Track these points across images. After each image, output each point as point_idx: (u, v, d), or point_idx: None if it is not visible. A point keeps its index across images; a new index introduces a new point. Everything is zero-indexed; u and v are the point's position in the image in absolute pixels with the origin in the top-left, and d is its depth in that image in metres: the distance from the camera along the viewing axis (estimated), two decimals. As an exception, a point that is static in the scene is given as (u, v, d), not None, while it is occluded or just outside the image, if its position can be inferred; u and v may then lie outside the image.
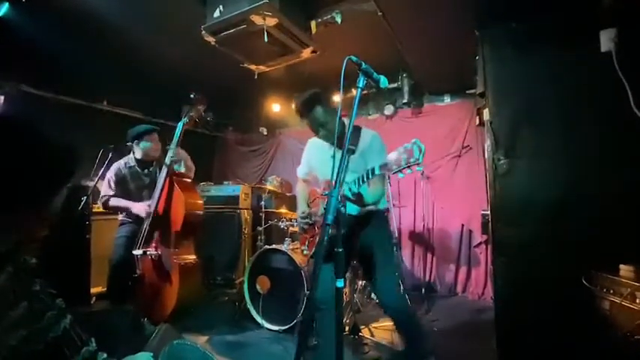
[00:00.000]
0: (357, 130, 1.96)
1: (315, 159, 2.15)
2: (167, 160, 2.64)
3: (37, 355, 0.77)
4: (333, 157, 1.47)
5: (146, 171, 2.82)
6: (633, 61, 1.74)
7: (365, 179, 1.53)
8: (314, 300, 1.94)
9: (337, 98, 4.39)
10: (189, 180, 2.85)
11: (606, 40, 1.83)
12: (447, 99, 4.30)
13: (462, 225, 4.04)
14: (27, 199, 0.77)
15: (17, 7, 2.64)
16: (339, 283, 0.99)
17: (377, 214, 2.02)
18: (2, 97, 3.36)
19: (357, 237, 1.89)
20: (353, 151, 1.83)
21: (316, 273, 1.06)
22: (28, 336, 0.75)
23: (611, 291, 1.55)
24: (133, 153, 2.81)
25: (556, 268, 1.90)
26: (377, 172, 1.47)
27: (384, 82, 1.21)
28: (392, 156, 1.39)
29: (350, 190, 1.56)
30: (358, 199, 1.65)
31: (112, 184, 2.72)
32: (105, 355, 0.92)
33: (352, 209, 1.89)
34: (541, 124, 2.04)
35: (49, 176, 0.80)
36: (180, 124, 2.74)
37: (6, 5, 2.61)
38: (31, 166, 0.76)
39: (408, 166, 1.33)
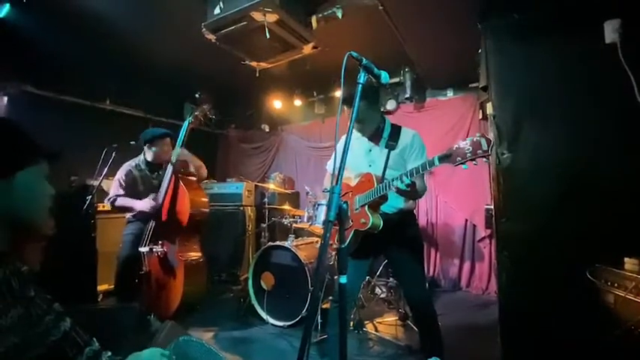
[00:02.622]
0: (396, 128, 1.98)
1: (349, 153, 2.13)
2: (173, 159, 2.65)
3: (40, 358, 0.79)
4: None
5: (155, 174, 2.83)
6: (638, 52, 1.71)
7: (421, 171, 1.56)
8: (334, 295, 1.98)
9: (339, 94, 4.39)
10: (194, 178, 2.86)
11: (610, 31, 1.80)
12: (450, 93, 4.27)
13: (466, 220, 4.04)
14: None
15: (18, 8, 2.65)
16: (342, 279, 1.00)
17: (410, 214, 2.06)
18: (5, 98, 3.39)
19: (391, 236, 1.86)
20: (394, 147, 1.90)
21: (319, 268, 1.07)
22: (24, 341, 0.76)
23: (616, 284, 1.54)
24: (144, 154, 2.82)
25: (560, 262, 1.89)
26: (437, 163, 1.51)
27: (385, 77, 1.21)
28: (455, 148, 1.45)
29: (402, 180, 1.57)
30: (412, 189, 1.63)
31: (123, 184, 2.73)
32: (109, 354, 0.93)
33: (388, 208, 1.90)
34: (544, 117, 2.02)
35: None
36: (185, 124, 2.75)
37: (7, 6, 2.62)
38: None
39: (474, 158, 1.41)
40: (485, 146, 1.38)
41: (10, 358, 0.74)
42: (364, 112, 1.87)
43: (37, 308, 0.82)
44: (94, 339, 0.93)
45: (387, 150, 1.91)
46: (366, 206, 1.77)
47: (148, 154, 2.79)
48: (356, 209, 1.81)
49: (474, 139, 1.42)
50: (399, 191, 1.63)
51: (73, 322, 0.88)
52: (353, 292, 2.07)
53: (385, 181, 1.72)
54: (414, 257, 1.97)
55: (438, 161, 1.51)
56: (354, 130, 1.93)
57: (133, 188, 2.76)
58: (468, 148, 1.42)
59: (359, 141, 2.01)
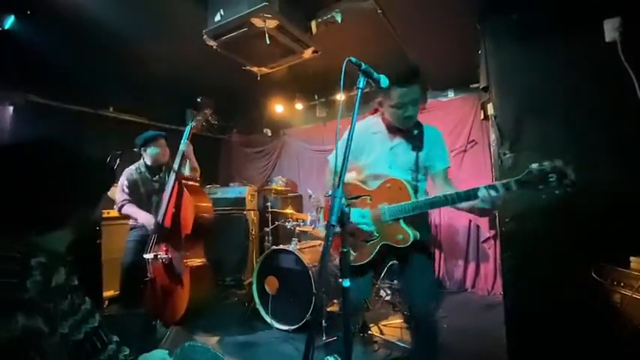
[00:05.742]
0: (419, 125, 1.72)
1: (366, 146, 1.75)
2: (175, 166, 2.67)
3: (78, 344, 0.86)
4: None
5: (156, 177, 2.88)
6: (639, 50, 1.71)
7: (496, 194, 1.35)
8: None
9: (339, 97, 4.40)
10: (197, 184, 2.88)
11: (610, 30, 1.80)
12: (451, 94, 4.27)
13: (470, 220, 4.02)
14: (79, 208, 0.92)
15: (22, 19, 2.69)
16: (345, 283, 1.00)
17: (427, 215, 1.84)
18: (11, 108, 3.43)
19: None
20: (421, 149, 1.65)
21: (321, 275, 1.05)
22: (72, 326, 0.84)
23: (622, 284, 1.53)
24: (143, 159, 2.87)
25: (565, 262, 1.88)
26: (513, 188, 1.32)
27: (384, 81, 1.21)
28: (536, 171, 1.28)
29: (498, 190, 1.35)
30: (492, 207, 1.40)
31: (126, 189, 2.78)
32: (127, 352, 0.96)
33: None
34: (546, 116, 2.02)
35: (92, 188, 0.96)
36: (187, 129, 2.77)
37: (12, 17, 2.67)
38: (76, 181, 0.90)
39: (559, 189, 1.24)
40: (572, 176, 1.23)
41: (67, 339, 0.82)
42: (419, 93, 1.58)
43: (78, 297, 0.88)
44: (114, 336, 0.96)
45: (414, 152, 1.65)
46: (401, 220, 1.55)
47: (147, 158, 2.84)
48: (386, 221, 1.57)
49: (558, 165, 1.25)
50: (474, 209, 1.41)
51: (100, 318, 0.92)
52: (362, 298, 1.87)
53: (431, 195, 1.51)
54: (427, 264, 1.71)
55: (516, 186, 1.31)
56: (375, 122, 1.75)
57: (135, 191, 2.80)
58: (552, 176, 1.25)
59: (379, 135, 1.72)
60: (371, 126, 1.75)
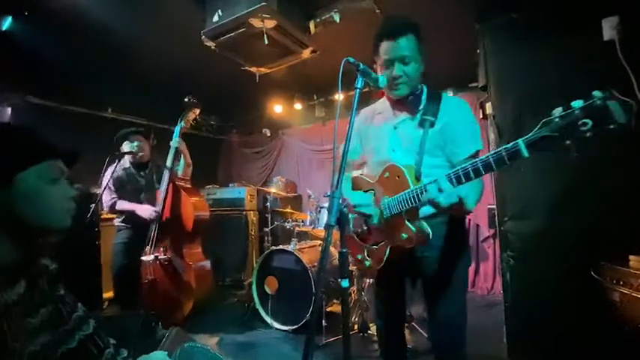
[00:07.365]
0: (436, 95, 1.42)
1: (370, 130, 1.50)
2: (168, 163, 2.66)
3: (72, 352, 0.83)
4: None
5: (142, 173, 2.85)
6: (637, 49, 1.71)
7: (509, 159, 0.94)
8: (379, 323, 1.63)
9: (337, 97, 4.39)
10: (188, 185, 2.87)
11: (609, 29, 1.81)
12: (450, 93, 4.26)
13: (469, 220, 4.02)
14: None
15: (20, 21, 2.68)
16: (345, 283, 1.00)
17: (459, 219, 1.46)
18: (9, 109, 3.42)
19: (428, 248, 1.32)
20: (432, 124, 1.31)
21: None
22: (55, 338, 0.80)
23: (621, 282, 1.54)
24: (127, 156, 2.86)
25: (564, 261, 1.88)
26: (525, 154, 0.92)
27: (382, 81, 1.21)
28: (558, 120, 0.88)
29: (452, 181, 1.05)
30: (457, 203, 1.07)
31: (112, 187, 2.74)
32: (124, 354, 0.95)
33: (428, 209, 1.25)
34: (544, 115, 2.02)
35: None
36: (177, 129, 2.77)
37: (9, 19, 2.66)
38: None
39: (599, 131, 0.82)
40: (619, 116, 0.79)
41: (44, 354, 0.77)
42: (412, 49, 1.32)
43: (67, 306, 0.85)
44: (111, 339, 0.95)
45: (420, 129, 1.32)
46: (403, 214, 1.23)
47: (126, 155, 2.81)
48: (387, 217, 1.28)
49: (596, 102, 0.81)
50: (432, 203, 1.07)
51: (95, 324, 0.91)
52: (400, 312, 1.62)
53: (427, 179, 1.13)
54: (454, 279, 1.39)
55: (527, 151, 0.90)
56: (380, 102, 1.54)
57: (120, 189, 2.76)
58: (586, 122, 0.83)
59: (384, 115, 1.47)
60: (376, 108, 1.52)
